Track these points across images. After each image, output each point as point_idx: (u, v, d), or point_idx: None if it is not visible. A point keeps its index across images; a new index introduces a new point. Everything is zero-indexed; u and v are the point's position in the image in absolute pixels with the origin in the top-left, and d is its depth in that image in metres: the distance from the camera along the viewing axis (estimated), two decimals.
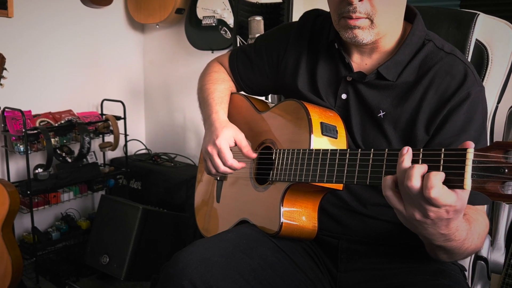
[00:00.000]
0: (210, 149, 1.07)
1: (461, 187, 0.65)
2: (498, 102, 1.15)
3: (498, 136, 1.24)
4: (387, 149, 0.76)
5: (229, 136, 1.08)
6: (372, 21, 0.92)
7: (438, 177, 0.66)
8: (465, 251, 0.81)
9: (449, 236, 0.75)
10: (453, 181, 0.65)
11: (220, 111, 1.15)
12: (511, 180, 0.61)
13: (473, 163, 0.63)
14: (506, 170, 0.61)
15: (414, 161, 0.70)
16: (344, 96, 1.03)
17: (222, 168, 1.07)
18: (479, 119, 0.94)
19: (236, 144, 1.09)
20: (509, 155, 0.61)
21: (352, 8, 0.90)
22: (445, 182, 0.66)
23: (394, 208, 0.73)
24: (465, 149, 0.64)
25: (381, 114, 0.97)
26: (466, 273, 1.12)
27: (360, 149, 0.81)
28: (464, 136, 0.92)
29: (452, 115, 0.92)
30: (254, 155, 1.08)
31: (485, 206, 0.93)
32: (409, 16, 1.01)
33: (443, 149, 0.67)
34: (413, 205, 0.70)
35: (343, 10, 0.92)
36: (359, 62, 1.03)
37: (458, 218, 0.72)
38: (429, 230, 0.73)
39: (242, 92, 1.29)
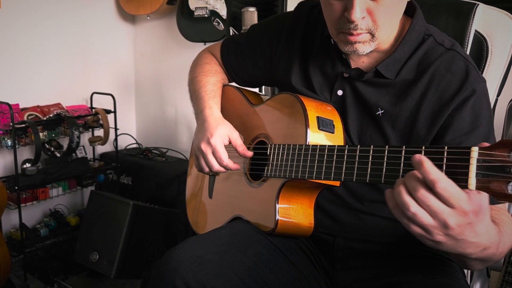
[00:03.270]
0: (204, 147, 1.05)
1: (465, 186, 0.62)
2: (498, 95, 1.14)
3: (498, 130, 1.22)
4: (387, 146, 0.74)
5: (224, 134, 1.05)
6: (373, 36, 0.89)
7: (434, 168, 0.61)
8: (499, 255, 0.77)
9: (482, 244, 0.69)
10: (457, 180, 0.63)
11: (214, 106, 1.13)
12: None
13: (477, 162, 0.62)
14: None
15: None
16: (340, 92, 1.00)
17: (216, 167, 1.05)
18: (486, 114, 0.92)
19: (230, 143, 1.06)
20: None
21: (353, 25, 0.87)
22: None
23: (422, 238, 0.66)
24: (469, 148, 0.63)
25: (380, 112, 0.95)
26: (465, 271, 1.10)
27: (359, 146, 0.79)
28: (474, 134, 0.90)
29: (458, 113, 0.90)
30: (250, 154, 1.06)
31: (506, 203, 0.90)
32: (408, 10, 0.97)
33: (446, 147, 0.65)
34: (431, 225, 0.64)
35: (342, 26, 0.89)
36: (356, 59, 1.00)
37: (484, 221, 0.66)
38: (461, 243, 0.67)
39: (235, 84, 1.26)
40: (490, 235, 0.70)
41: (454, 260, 0.80)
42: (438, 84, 0.92)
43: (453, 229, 0.63)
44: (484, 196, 0.64)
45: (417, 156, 0.62)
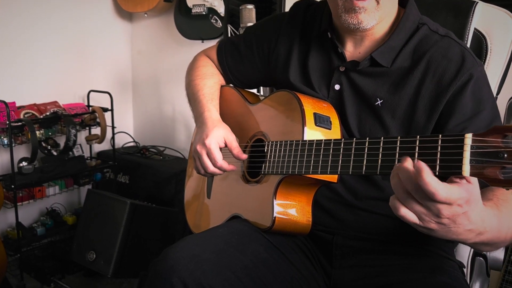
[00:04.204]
0: (199, 148, 1.05)
1: (460, 173, 0.62)
2: (497, 93, 1.13)
3: None
4: (382, 137, 0.74)
5: (219, 135, 1.05)
6: (378, 2, 0.90)
7: (430, 174, 0.60)
8: (505, 237, 0.76)
9: (476, 230, 0.69)
10: (451, 168, 0.63)
11: (212, 109, 1.13)
12: (511, 165, 0.59)
13: (471, 148, 0.62)
14: (506, 155, 0.59)
15: (411, 149, 0.67)
16: (337, 86, 1.01)
17: (211, 168, 1.05)
18: (489, 98, 0.92)
19: (226, 145, 1.06)
20: (508, 139, 0.60)
21: None
22: (443, 169, 0.64)
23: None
24: (463, 135, 0.62)
25: (379, 102, 0.96)
26: (465, 269, 1.10)
27: (354, 138, 0.78)
28: (478, 118, 0.90)
29: (459, 99, 0.90)
30: (244, 156, 1.05)
31: None
32: (401, 0, 0.99)
33: (440, 136, 0.65)
34: (424, 214, 0.64)
35: None
36: (352, 51, 1.01)
37: (476, 208, 0.66)
38: (453, 230, 0.67)
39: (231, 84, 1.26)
40: (484, 220, 0.70)
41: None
42: (435, 71, 0.92)
43: (446, 218, 0.64)
44: (475, 184, 0.64)
45: (420, 163, 0.61)
